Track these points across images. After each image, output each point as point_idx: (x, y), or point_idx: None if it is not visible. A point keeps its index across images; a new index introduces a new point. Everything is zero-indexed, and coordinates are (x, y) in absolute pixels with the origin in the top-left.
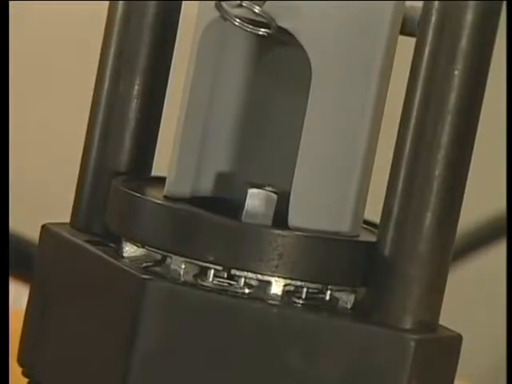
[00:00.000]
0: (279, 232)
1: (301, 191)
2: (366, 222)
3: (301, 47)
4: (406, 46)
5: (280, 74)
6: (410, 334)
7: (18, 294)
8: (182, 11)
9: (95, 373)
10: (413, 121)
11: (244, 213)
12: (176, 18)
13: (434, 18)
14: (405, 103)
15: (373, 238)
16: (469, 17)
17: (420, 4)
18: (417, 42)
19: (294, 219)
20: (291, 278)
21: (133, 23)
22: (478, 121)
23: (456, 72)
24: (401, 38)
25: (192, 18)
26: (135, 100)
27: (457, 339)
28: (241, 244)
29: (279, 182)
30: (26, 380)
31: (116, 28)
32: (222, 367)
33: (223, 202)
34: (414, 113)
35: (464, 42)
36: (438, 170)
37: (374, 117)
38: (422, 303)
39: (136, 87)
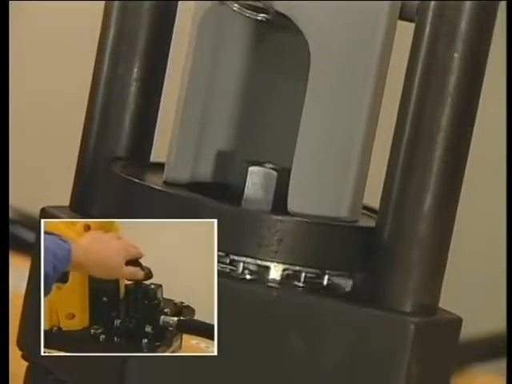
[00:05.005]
0: (279, 218)
1: (300, 177)
2: (366, 208)
3: (299, 31)
4: (406, 29)
5: (279, 57)
6: (410, 316)
7: (18, 279)
8: None
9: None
10: (412, 103)
11: (244, 196)
12: (175, 2)
13: (433, 2)
14: (405, 86)
15: (372, 224)
16: (468, 0)
17: None
18: (416, 25)
19: (293, 204)
20: (290, 264)
21: (131, 7)
22: (477, 103)
23: (456, 55)
24: (401, 22)
25: (191, 2)
26: (134, 83)
27: (457, 322)
28: (240, 230)
29: (279, 165)
30: (26, 363)
31: (115, 12)
32: (223, 350)
33: (223, 186)
34: (414, 95)
35: (463, 25)
36: (437, 152)
37: (373, 101)
38: (422, 286)
39: (135, 70)
